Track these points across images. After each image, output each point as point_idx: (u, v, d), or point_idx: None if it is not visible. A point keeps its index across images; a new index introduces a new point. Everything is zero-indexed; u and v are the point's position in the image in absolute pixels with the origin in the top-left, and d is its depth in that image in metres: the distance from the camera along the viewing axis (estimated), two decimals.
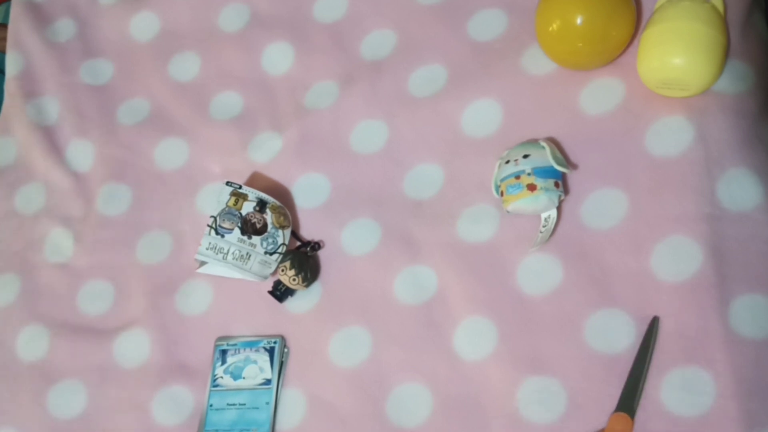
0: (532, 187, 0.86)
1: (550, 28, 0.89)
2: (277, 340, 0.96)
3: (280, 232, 0.97)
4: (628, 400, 0.79)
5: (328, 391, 0.92)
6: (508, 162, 0.88)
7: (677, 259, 0.82)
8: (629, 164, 0.87)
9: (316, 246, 0.99)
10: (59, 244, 1.10)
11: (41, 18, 1.25)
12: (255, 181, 1.05)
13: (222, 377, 0.96)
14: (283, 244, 0.97)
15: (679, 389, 0.78)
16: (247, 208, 0.97)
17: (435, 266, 0.92)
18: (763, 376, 0.76)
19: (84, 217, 1.10)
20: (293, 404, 0.93)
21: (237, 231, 0.95)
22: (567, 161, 0.90)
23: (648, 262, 0.83)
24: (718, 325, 0.78)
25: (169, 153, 1.10)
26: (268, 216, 0.97)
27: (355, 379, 0.91)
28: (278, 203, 0.99)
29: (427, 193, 0.96)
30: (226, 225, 0.95)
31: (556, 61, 0.93)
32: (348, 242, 0.98)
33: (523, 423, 0.83)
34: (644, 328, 0.81)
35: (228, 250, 0.94)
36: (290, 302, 0.98)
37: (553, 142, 0.91)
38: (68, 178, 1.13)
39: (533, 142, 0.90)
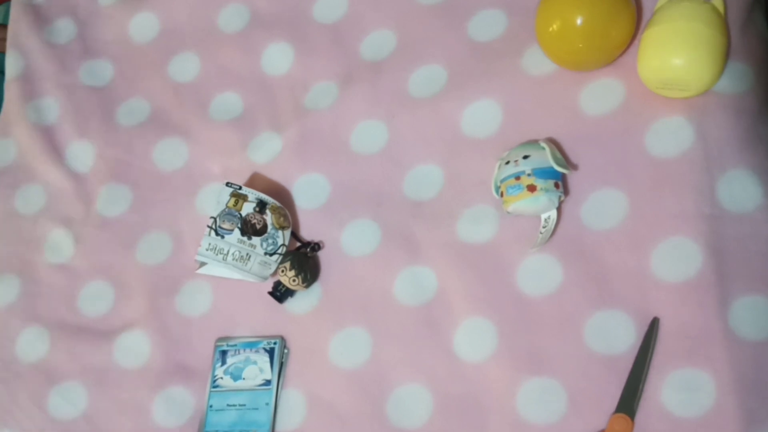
0: (532, 188, 0.86)
1: (550, 29, 0.89)
2: (277, 340, 0.96)
3: (280, 232, 0.97)
4: (628, 401, 0.79)
5: (328, 391, 0.92)
6: (508, 163, 0.88)
7: (677, 259, 0.82)
8: (629, 165, 0.87)
9: (316, 246, 0.99)
10: (59, 244, 1.10)
11: (41, 19, 1.25)
12: (255, 181, 1.05)
13: (222, 378, 0.96)
14: (283, 244, 0.97)
15: (679, 390, 0.78)
16: (247, 208, 0.97)
17: (435, 267, 0.92)
18: (763, 377, 0.76)
19: (84, 217, 1.10)
20: (293, 405, 0.93)
21: (237, 232, 0.95)
22: (567, 162, 0.90)
23: (648, 263, 0.83)
24: (718, 325, 0.78)
25: (169, 154, 1.10)
26: (268, 217, 0.97)
27: (355, 379, 0.91)
28: (278, 204, 0.99)
29: (427, 194, 0.96)
30: (226, 226, 0.95)
31: (556, 62, 0.93)
32: (348, 243, 0.98)
33: (523, 424, 0.83)
34: (644, 328, 0.81)
35: (228, 251, 0.94)
36: (290, 303, 0.98)
37: (553, 143, 0.91)
38: (68, 179, 1.13)
39: (533, 142, 0.90)
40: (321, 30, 1.10)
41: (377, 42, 1.07)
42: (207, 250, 0.94)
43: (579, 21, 0.86)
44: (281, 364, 0.95)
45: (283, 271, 0.95)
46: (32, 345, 1.05)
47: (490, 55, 0.99)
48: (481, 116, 0.97)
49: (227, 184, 0.98)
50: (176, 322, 1.01)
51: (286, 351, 0.96)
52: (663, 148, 0.86)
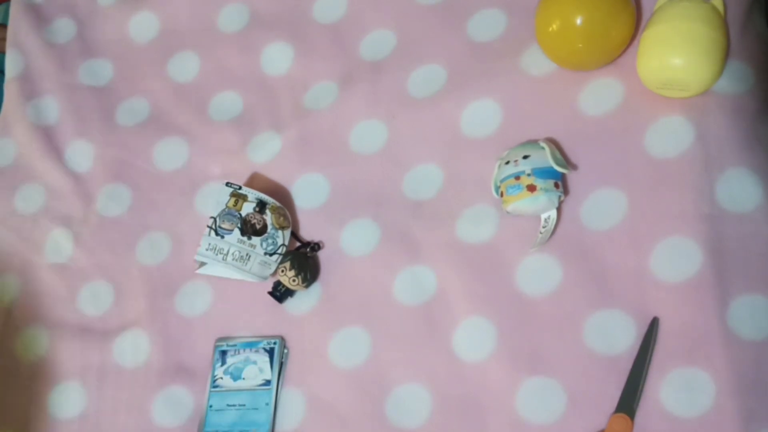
0: (531, 188, 0.86)
1: (550, 29, 0.89)
2: (277, 340, 0.96)
3: (279, 232, 0.97)
4: (628, 401, 0.79)
5: (328, 391, 0.92)
6: (507, 162, 0.88)
7: (677, 259, 0.82)
8: (629, 164, 0.87)
9: (316, 246, 0.99)
10: (59, 244, 1.10)
11: (41, 18, 1.25)
12: (254, 181, 1.05)
13: (222, 378, 0.96)
14: (283, 244, 0.97)
15: (678, 390, 0.79)
16: (247, 208, 0.97)
17: (435, 267, 0.92)
18: (762, 376, 0.76)
19: (84, 217, 1.10)
20: (293, 405, 0.93)
21: (237, 232, 0.95)
22: (567, 162, 0.90)
23: (647, 263, 0.83)
24: (718, 325, 0.78)
25: (169, 153, 1.10)
26: (268, 217, 0.97)
27: (354, 379, 0.91)
28: (278, 204, 0.99)
29: (426, 194, 0.96)
30: (226, 226, 0.95)
31: (556, 62, 0.93)
32: (348, 243, 0.98)
33: (523, 424, 0.83)
34: (644, 328, 0.81)
35: (228, 251, 0.94)
36: (290, 303, 0.98)
37: (553, 143, 0.91)
38: (68, 179, 1.13)
39: (533, 142, 0.90)
40: (321, 30, 1.10)
41: (377, 42, 1.07)
42: (207, 250, 0.94)
43: (579, 21, 0.86)
44: (281, 364, 0.95)
45: (282, 271, 0.95)
46: (32, 345, 1.05)
47: (490, 55, 0.99)
48: (481, 116, 0.97)
49: (227, 184, 0.98)
50: (176, 322, 1.01)
51: (285, 351, 0.96)
52: (662, 148, 0.86)
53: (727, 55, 0.86)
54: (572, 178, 0.90)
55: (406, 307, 0.92)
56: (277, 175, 1.04)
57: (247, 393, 0.94)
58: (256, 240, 0.95)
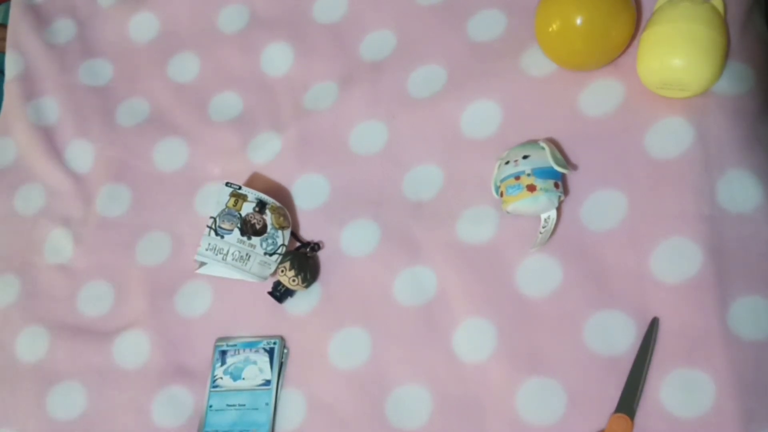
0: (531, 188, 0.86)
1: (550, 29, 0.89)
2: (277, 340, 0.96)
3: (279, 232, 0.97)
4: (628, 401, 0.79)
5: (328, 392, 0.92)
6: (507, 163, 0.88)
7: (677, 259, 0.82)
8: (629, 165, 0.87)
9: (316, 247, 0.99)
10: (59, 245, 1.10)
11: (41, 19, 1.25)
12: (254, 181, 1.05)
13: (222, 378, 0.96)
14: (283, 244, 0.97)
15: (678, 390, 0.79)
16: (247, 208, 0.97)
17: (435, 267, 0.92)
18: (762, 377, 0.77)
19: (84, 218, 1.10)
20: (293, 405, 0.93)
21: (236, 232, 0.95)
22: (567, 162, 0.90)
23: (648, 263, 0.83)
24: (718, 326, 0.78)
25: (169, 154, 1.10)
26: (268, 217, 0.97)
27: (354, 380, 0.91)
28: (278, 204, 0.99)
29: (426, 194, 0.96)
30: (226, 226, 0.95)
31: (556, 62, 0.93)
32: (348, 243, 0.98)
33: (523, 424, 0.83)
34: (644, 328, 0.81)
35: (227, 251, 0.94)
36: (290, 303, 0.98)
37: (553, 143, 0.91)
38: (68, 179, 1.13)
39: (533, 142, 0.90)
40: (321, 30, 1.10)
41: (377, 42, 1.07)
42: (206, 250, 0.94)
43: (579, 21, 0.86)
44: (281, 364, 0.95)
45: (282, 271, 0.95)
46: (32, 345, 1.05)
47: (490, 55, 0.99)
48: (481, 116, 0.97)
49: (227, 184, 0.98)
50: (176, 322, 1.01)
51: (285, 351, 0.96)
52: (663, 148, 0.86)
53: (727, 55, 0.86)
54: (572, 178, 0.90)
55: (406, 308, 0.92)
56: (277, 175, 1.04)
57: (247, 393, 0.94)
58: (255, 240, 0.95)
